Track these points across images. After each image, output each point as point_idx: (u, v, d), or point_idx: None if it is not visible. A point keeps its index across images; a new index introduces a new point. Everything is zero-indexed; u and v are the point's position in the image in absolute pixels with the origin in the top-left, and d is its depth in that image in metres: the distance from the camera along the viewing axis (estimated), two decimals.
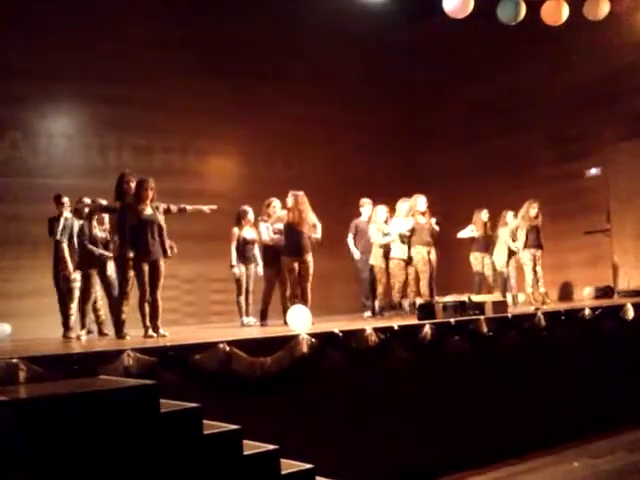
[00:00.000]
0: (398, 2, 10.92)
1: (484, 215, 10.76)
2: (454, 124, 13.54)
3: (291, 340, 6.06)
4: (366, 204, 9.89)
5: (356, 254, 9.68)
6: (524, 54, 12.09)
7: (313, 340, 6.10)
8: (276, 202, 8.93)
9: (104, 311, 8.12)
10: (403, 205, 9.59)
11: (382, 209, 9.68)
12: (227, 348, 5.60)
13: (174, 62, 10.86)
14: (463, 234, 10.74)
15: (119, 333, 7.02)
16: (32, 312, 8.59)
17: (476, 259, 10.83)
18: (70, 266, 7.79)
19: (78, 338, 7.59)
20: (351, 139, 12.49)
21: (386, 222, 9.60)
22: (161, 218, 6.97)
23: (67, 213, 7.98)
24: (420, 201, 9.50)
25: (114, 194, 7.26)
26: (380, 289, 9.52)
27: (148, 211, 6.90)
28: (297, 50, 11.88)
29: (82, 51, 10.08)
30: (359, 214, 9.88)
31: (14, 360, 4.65)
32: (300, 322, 7.00)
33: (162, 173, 10.97)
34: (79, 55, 10.06)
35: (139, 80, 10.48)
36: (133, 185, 7.14)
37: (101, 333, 8.15)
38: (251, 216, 9.00)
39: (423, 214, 9.49)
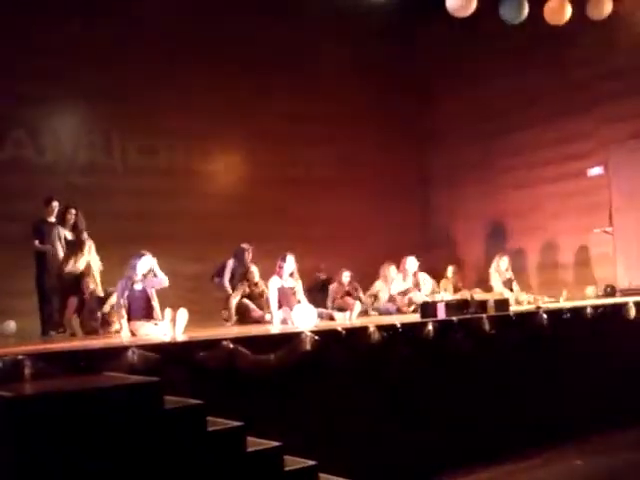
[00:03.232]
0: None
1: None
2: (455, 123, 13.50)
3: (294, 337, 6.09)
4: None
5: None
6: (526, 53, 12.06)
7: (316, 337, 6.13)
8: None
9: None
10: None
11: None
12: (231, 345, 5.64)
13: (179, 61, 10.88)
14: None
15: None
16: (35, 310, 8.61)
17: None
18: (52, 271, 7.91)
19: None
20: (355, 136, 12.49)
21: None
22: None
23: (52, 218, 8.06)
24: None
25: None
26: None
27: None
28: (301, 48, 11.88)
29: (87, 49, 10.11)
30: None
31: (19, 357, 4.69)
32: (304, 319, 7.04)
33: (166, 172, 11.06)
34: (84, 53, 10.09)
35: (144, 79, 10.50)
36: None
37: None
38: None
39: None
